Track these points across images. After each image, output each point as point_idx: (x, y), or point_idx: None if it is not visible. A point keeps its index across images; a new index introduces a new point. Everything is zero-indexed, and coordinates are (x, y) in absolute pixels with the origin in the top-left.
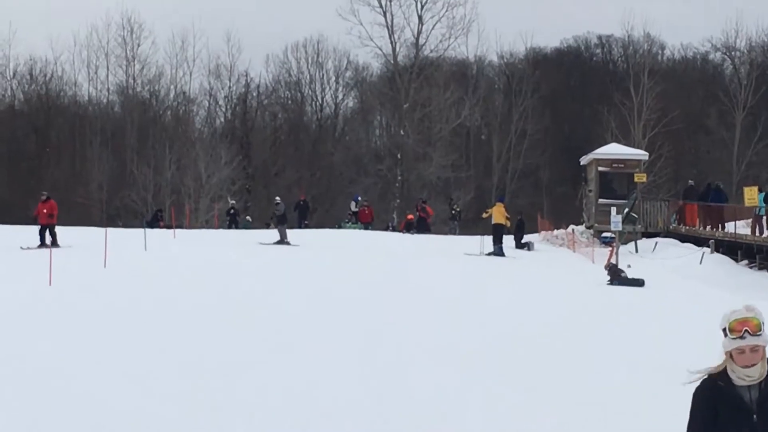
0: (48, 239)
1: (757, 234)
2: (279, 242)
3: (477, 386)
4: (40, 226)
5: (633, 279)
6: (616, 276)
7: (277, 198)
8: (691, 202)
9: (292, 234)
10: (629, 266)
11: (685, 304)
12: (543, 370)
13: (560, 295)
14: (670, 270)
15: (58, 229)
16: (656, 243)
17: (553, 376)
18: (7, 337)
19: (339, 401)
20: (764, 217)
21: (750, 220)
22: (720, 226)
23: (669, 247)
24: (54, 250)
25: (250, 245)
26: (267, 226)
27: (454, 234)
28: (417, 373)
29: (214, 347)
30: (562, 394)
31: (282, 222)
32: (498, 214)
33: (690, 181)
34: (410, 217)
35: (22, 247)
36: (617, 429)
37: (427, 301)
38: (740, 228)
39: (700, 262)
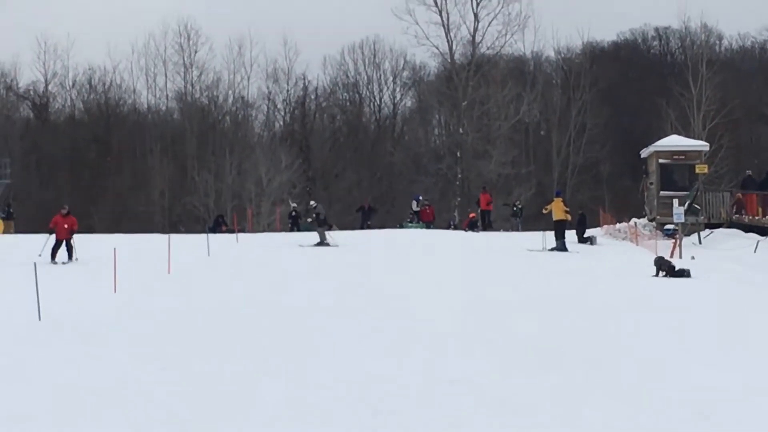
0: (64, 256)
1: None
2: (319, 244)
3: (539, 377)
4: (56, 241)
5: (680, 270)
6: (663, 268)
7: (312, 201)
8: (749, 192)
9: (356, 234)
10: (693, 258)
11: (727, 294)
12: (601, 361)
13: (618, 287)
14: (732, 260)
15: (120, 236)
16: (710, 233)
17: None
18: (74, 342)
19: (403, 389)
20: None
21: None
22: None
23: (732, 237)
24: (119, 257)
25: (307, 248)
26: (329, 228)
27: (517, 230)
28: (480, 364)
29: (273, 349)
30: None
31: (321, 224)
32: (557, 209)
33: (748, 171)
34: (473, 215)
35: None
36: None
37: (487, 297)
38: None
39: (755, 251)
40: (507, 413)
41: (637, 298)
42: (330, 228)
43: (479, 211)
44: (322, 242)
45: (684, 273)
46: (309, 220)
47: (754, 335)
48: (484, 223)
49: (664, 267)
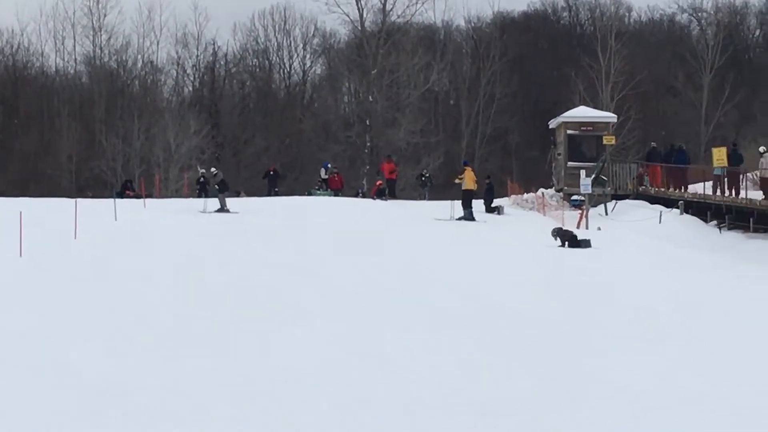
0: None
1: (718, 194)
2: (220, 210)
3: (448, 348)
4: None
5: (583, 240)
6: (566, 238)
7: (213, 168)
8: (654, 164)
9: (263, 201)
10: (599, 228)
11: (626, 264)
12: (508, 331)
13: (522, 258)
14: (636, 232)
15: (27, 200)
16: (615, 203)
17: (521, 336)
18: None
19: (313, 367)
20: (725, 178)
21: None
22: (683, 187)
23: (639, 208)
24: (25, 221)
25: (213, 215)
26: (237, 194)
27: (425, 199)
28: (390, 337)
29: (183, 315)
30: (527, 352)
31: (222, 191)
32: (469, 178)
33: (652, 143)
34: (380, 183)
35: None
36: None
37: (395, 266)
38: (709, 189)
39: (660, 222)
40: (412, 384)
41: (540, 268)
42: (238, 194)
43: (384, 179)
44: (223, 209)
45: (584, 243)
46: (216, 187)
47: (649, 303)
48: (390, 191)
49: (566, 237)
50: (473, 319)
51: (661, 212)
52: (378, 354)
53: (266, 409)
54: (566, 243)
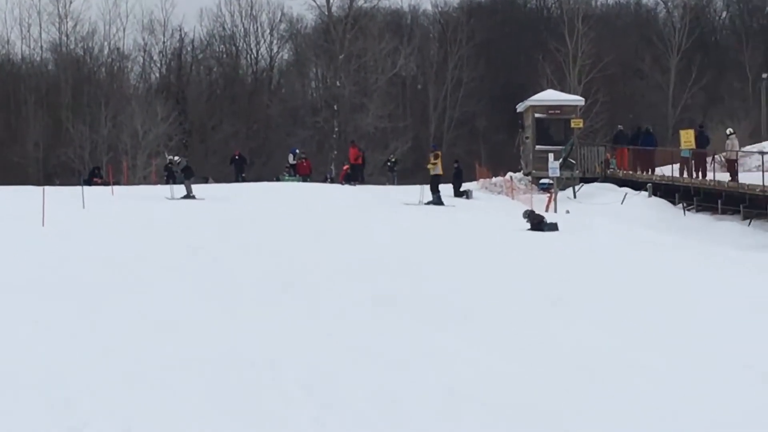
0: None
1: (686, 176)
2: (185, 197)
3: (413, 333)
4: None
5: (550, 224)
6: (535, 221)
7: (176, 156)
8: (620, 146)
9: (233, 187)
10: (568, 212)
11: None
12: (480, 314)
13: (490, 241)
14: (602, 214)
15: None
16: (581, 186)
17: (487, 317)
18: None
19: (281, 352)
20: (692, 160)
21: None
22: (651, 170)
23: (607, 191)
24: None
25: (180, 201)
26: (205, 181)
27: (392, 184)
28: (358, 322)
29: (156, 301)
30: (494, 334)
31: (187, 177)
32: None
33: (619, 126)
34: (347, 168)
35: None
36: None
37: (364, 250)
38: (677, 171)
39: (622, 203)
40: (380, 367)
41: (509, 251)
42: (206, 181)
43: (350, 164)
44: (188, 195)
45: (552, 226)
46: (181, 173)
47: (617, 284)
48: (355, 176)
49: (535, 220)
50: (444, 303)
51: (625, 194)
52: (344, 336)
53: (241, 398)
54: (534, 226)
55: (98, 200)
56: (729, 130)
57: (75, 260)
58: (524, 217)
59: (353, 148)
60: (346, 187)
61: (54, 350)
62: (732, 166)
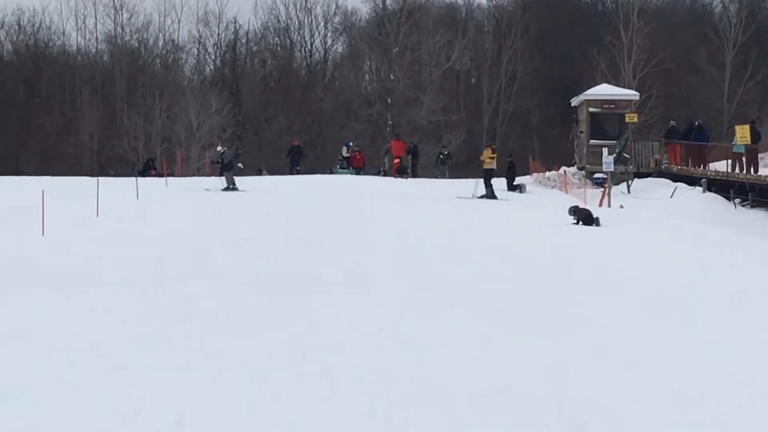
0: None
1: (737, 171)
2: (226, 189)
3: (466, 325)
4: None
5: (597, 218)
6: (581, 216)
7: (219, 147)
8: (673, 142)
9: (286, 179)
10: (621, 206)
11: (638, 240)
12: (521, 308)
13: (540, 236)
14: (659, 209)
15: (49, 178)
16: (631, 182)
17: (534, 313)
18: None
19: (330, 342)
20: (743, 156)
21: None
22: (703, 165)
23: (661, 186)
24: (47, 200)
25: (238, 194)
26: (259, 173)
27: (444, 178)
28: (407, 315)
29: (205, 292)
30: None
31: (227, 169)
32: (487, 157)
33: (672, 122)
34: (398, 161)
35: None
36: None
37: (416, 243)
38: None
39: (671, 197)
40: (431, 361)
41: (559, 246)
42: (260, 173)
43: (392, 158)
44: (229, 187)
45: (598, 221)
46: (215, 162)
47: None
48: (400, 171)
49: (581, 215)
50: (487, 295)
51: (675, 188)
52: (396, 329)
53: (286, 385)
54: (581, 221)
55: (152, 191)
56: None
57: (126, 251)
58: (569, 212)
59: (397, 141)
60: (399, 180)
61: (108, 337)
62: None
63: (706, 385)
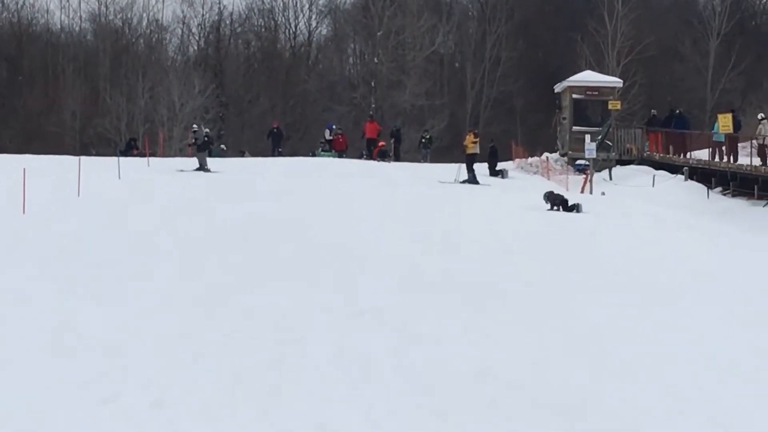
0: None
1: (717, 159)
2: (198, 169)
3: (445, 310)
4: None
5: (573, 204)
6: (556, 203)
7: (195, 125)
8: (654, 130)
9: (267, 161)
10: (603, 193)
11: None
12: (499, 293)
13: (525, 221)
14: (639, 197)
15: (30, 157)
16: (610, 170)
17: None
18: None
19: (313, 326)
20: (723, 144)
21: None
22: (684, 153)
23: (643, 174)
24: (28, 178)
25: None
26: (241, 154)
27: (426, 162)
28: (391, 301)
29: (185, 274)
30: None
31: (201, 149)
32: (470, 142)
33: (653, 111)
34: (382, 143)
35: None
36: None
37: (400, 229)
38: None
39: (652, 185)
40: (413, 344)
41: (540, 232)
42: (242, 154)
43: (366, 140)
44: (202, 167)
45: (576, 207)
46: (189, 144)
47: (635, 265)
48: (369, 153)
49: (557, 201)
50: (470, 282)
51: (654, 176)
52: (375, 313)
53: (271, 374)
54: (555, 207)
55: (134, 171)
56: (761, 115)
57: (107, 231)
58: (545, 198)
59: (372, 123)
60: (381, 163)
61: (87, 318)
62: (763, 151)
63: (686, 373)
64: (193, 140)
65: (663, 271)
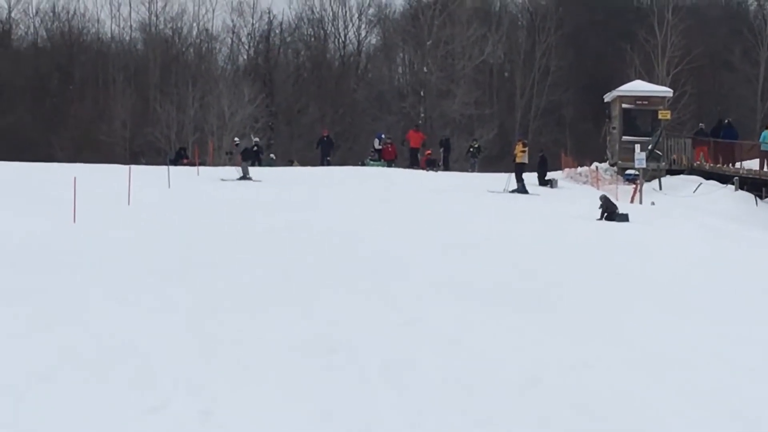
0: None
1: (765, 169)
2: (241, 178)
3: (494, 318)
4: None
5: (621, 214)
6: (608, 210)
7: (236, 138)
8: (700, 139)
9: (316, 170)
10: (653, 203)
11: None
12: (560, 303)
13: (575, 231)
14: (690, 207)
15: (81, 165)
16: (660, 180)
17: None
18: (21, 271)
19: (357, 332)
20: None
21: None
22: (732, 163)
23: (693, 184)
24: (79, 187)
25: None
26: (290, 163)
27: (474, 171)
28: (437, 309)
29: (232, 281)
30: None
31: (244, 159)
32: (519, 151)
33: (701, 125)
34: (429, 152)
35: None
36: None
37: (447, 237)
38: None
39: (694, 191)
40: (461, 351)
41: (590, 242)
42: (291, 163)
43: (410, 149)
44: (245, 176)
45: (623, 217)
46: (228, 154)
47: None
48: (413, 162)
49: (608, 208)
50: (515, 289)
51: (699, 184)
52: (423, 322)
53: (313, 374)
54: (606, 214)
55: (184, 180)
56: None
57: (157, 239)
58: (600, 200)
59: (416, 132)
60: (429, 173)
61: (135, 325)
62: None
63: (733, 386)
64: (239, 151)
65: (717, 281)
